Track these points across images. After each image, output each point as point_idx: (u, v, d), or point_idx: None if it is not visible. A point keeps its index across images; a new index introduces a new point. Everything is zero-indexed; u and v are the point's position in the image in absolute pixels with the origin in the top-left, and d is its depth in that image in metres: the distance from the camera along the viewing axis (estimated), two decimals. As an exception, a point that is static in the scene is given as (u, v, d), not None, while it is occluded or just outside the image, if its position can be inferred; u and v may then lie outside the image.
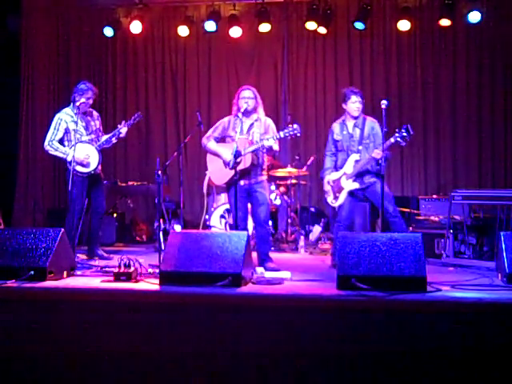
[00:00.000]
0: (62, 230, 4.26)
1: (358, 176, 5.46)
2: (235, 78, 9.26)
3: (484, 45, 8.59)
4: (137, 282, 4.07)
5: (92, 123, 5.84)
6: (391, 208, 5.31)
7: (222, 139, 5.47)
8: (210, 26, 8.61)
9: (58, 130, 5.63)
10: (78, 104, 5.57)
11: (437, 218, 6.03)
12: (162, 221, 5.55)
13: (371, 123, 5.54)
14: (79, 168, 5.60)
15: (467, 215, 5.49)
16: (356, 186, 5.47)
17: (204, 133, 5.32)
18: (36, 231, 4.22)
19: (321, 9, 8.49)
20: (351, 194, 5.52)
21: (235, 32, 8.68)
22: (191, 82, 9.40)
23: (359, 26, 8.45)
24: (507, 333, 3.32)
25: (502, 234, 4.21)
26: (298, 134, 5.14)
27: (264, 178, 5.43)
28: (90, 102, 5.76)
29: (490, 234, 5.31)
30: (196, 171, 9.15)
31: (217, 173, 5.43)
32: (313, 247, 7.01)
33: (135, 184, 7.97)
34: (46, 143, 5.64)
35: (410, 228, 6.07)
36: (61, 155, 5.61)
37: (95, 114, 5.92)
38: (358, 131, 5.52)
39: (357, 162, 5.45)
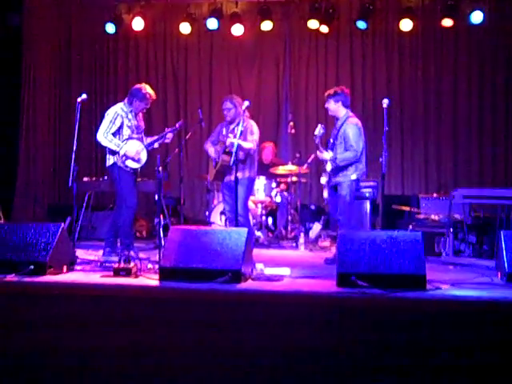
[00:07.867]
0: (62, 224, 4.27)
1: None
2: (237, 76, 9.26)
3: (486, 45, 8.58)
4: (136, 277, 4.08)
5: (141, 123, 5.84)
6: None
7: (218, 142, 5.99)
8: (212, 23, 8.60)
9: (113, 123, 5.55)
10: (136, 110, 5.64)
11: (437, 217, 6.03)
12: (161, 217, 5.54)
13: None
14: (130, 163, 5.58)
15: (467, 214, 5.49)
16: None
17: (205, 130, 5.40)
18: (36, 226, 4.23)
19: (323, 7, 8.48)
20: None
21: (237, 30, 8.67)
22: (193, 80, 9.39)
23: (361, 25, 8.44)
24: (506, 331, 3.32)
25: (502, 233, 4.22)
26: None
27: (246, 175, 5.81)
28: (147, 107, 5.79)
29: (490, 233, 5.31)
30: (197, 168, 9.16)
31: (211, 170, 6.16)
32: (313, 244, 7.01)
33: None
34: (99, 134, 5.54)
35: (410, 226, 6.07)
36: (114, 147, 5.52)
37: (140, 114, 5.86)
38: None
39: None
